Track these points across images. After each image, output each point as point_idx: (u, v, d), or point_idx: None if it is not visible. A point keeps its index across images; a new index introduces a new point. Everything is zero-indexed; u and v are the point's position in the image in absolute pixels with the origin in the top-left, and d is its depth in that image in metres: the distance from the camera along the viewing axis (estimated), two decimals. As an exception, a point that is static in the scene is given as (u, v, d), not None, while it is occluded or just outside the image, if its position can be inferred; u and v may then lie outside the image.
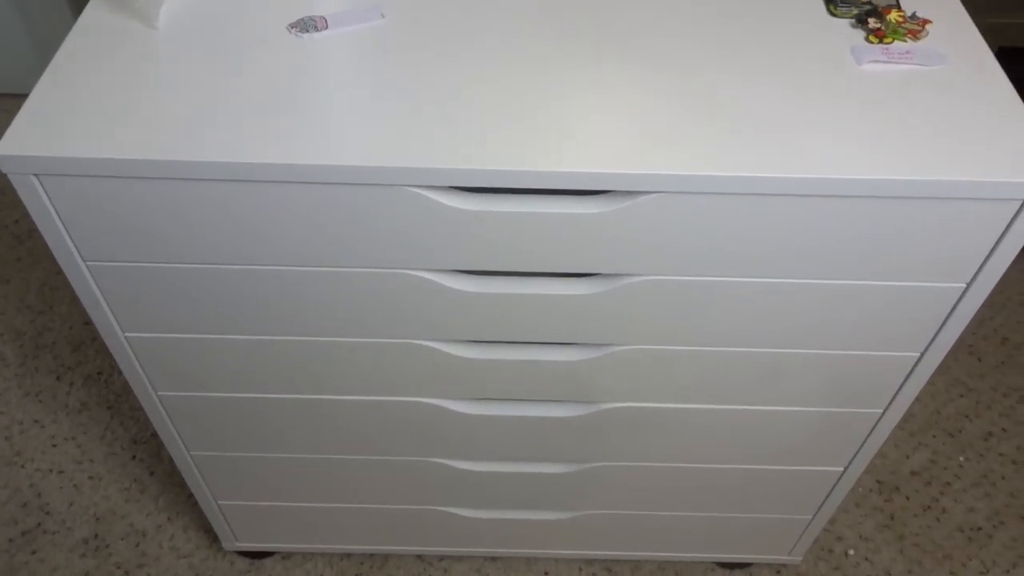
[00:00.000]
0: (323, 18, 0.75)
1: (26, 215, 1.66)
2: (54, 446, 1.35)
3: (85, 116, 0.65)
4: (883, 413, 0.89)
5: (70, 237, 0.69)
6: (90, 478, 1.31)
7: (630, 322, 0.77)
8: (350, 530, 1.13)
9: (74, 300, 1.53)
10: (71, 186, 0.65)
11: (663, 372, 0.83)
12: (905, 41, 0.74)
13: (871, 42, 0.74)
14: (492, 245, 0.69)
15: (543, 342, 0.81)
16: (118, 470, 1.32)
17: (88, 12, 0.75)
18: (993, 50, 1.43)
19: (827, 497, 1.03)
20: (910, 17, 0.76)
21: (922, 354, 0.80)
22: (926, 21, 0.75)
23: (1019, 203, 0.65)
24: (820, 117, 0.67)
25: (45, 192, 0.65)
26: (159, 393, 0.87)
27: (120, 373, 1.43)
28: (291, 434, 0.93)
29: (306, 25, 0.74)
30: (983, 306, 1.57)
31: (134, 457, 1.34)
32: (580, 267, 0.72)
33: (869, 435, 0.92)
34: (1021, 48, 1.35)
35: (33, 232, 1.65)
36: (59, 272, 1.58)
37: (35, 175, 0.64)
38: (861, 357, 0.81)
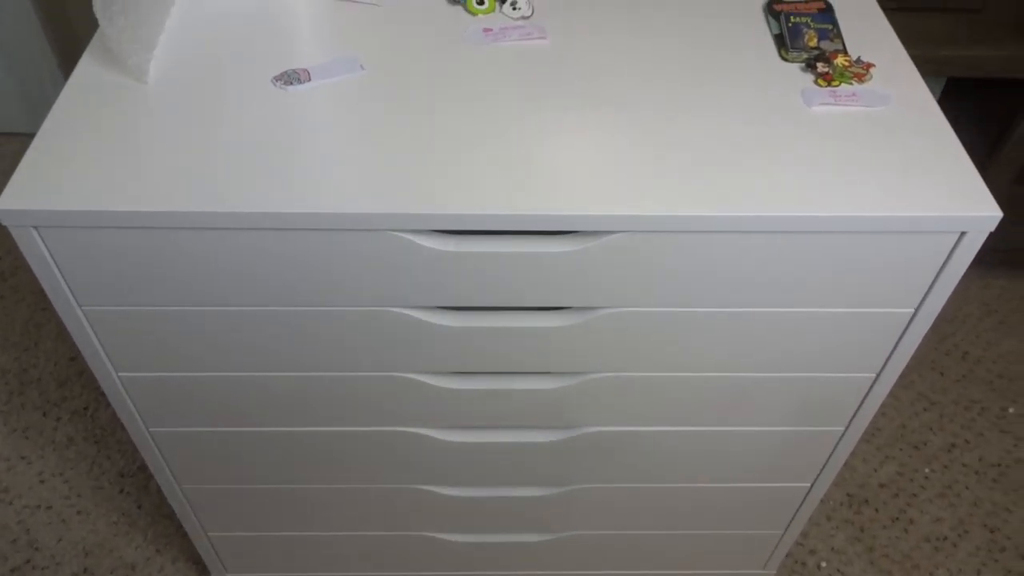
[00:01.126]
0: (306, 71, 0.79)
1: (9, 253, 1.68)
2: (42, 482, 1.36)
3: (81, 170, 0.68)
4: (845, 430, 0.93)
5: (67, 284, 0.72)
6: (78, 513, 1.33)
7: (603, 351, 0.82)
8: (338, 557, 1.16)
9: (59, 336, 1.55)
10: (68, 236, 0.68)
11: (635, 398, 0.87)
12: (851, 84, 0.80)
13: (820, 85, 0.80)
14: (471, 282, 0.74)
15: (521, 372, 0.85)
16: (106, 504, 1.34)
17: (81, 68, 0.79)
18: (943, 81, 1.50)
19: (797, 512, 1.07)
20: (855, 61, 0.81)
21: (878, 374, 0.85)
22: (870, 65, 0.81)
23: (957, 235, 0.70)
24: (774, 157, 0.72)
25: (43, 242, 0.68)
26: (151, 429, 0.90)
27: (106, 407, 1.45)
28: (279, 465, 0.96)
29: (290, 78, 0.78)
30: (944, 323, 1.64)
31: (122, 491, 1.36)
32: (554, 301, 0.76)
33: (833, 451, 0.97)
34: (968, 78, 1.42)
35: (17, 269, 1.66)
36: (44, 308, 1.60)
37: (34, 227, 0.67)
38: (822, 379, 0.86)
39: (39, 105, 1.82)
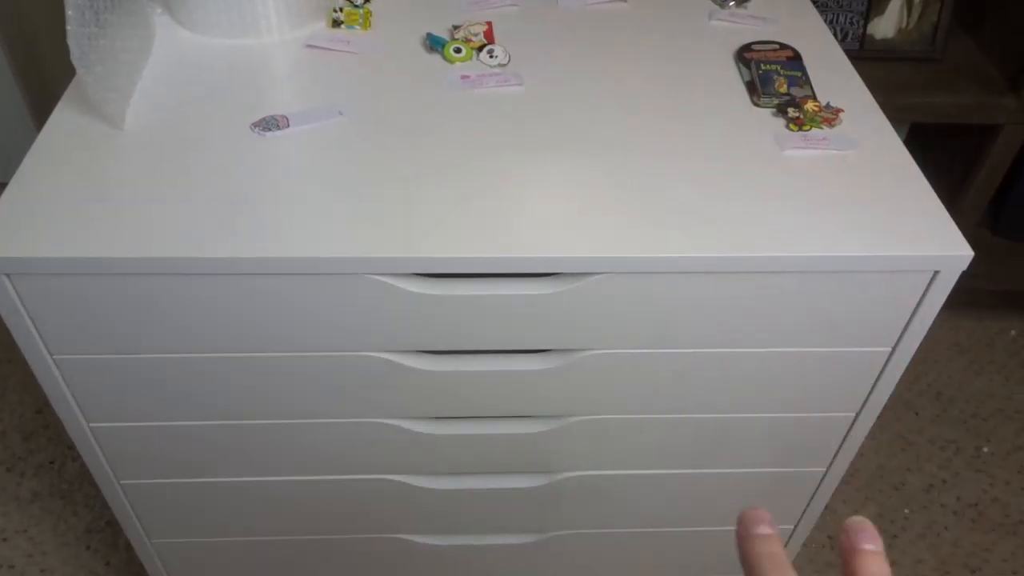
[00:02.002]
0: (284, 117, 0.80)
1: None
2: (4, 540, 1.32)
3: (55, 216, 0.67)
4: (827, 470, 0.93)
5: (38, 332, 0.70)
6: (42, 571, 1.28)
7: (584, 394, 0.81)
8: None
9: (25, 389, 1.52)
10: (40, 284, 0.67)
11: (617, 440, 0.87)
12: (821, 128, 0.82)
13: (791, 129, 0.82)
14: (450, 326, 0.73)
15: (502, 416, 0.84)
16: (72, 562, 1.29)
17: (57, 114, 0.78)
18: (907, 126, 1.55)
19: (780, 555, 1.06)
20: (825, 107, 0.83)
21: (858, 413, 0.86)
22: (839, 110, 0.83)
23: (931, 273, 0.71)
24: (749, 200, 0.73)
25: (15, 290, 0.67)
26: (121, 481, 0.87)
27: (73, 461, 1.41)
28: (255, 518, 0.94)
29: (268, 124, 0.79)
30: (917, 363, 1.66)
31: (88, 547, 1.31)
32: (535, 344, 0.76)
33: (815, 493, 0.97)
34: (929, 125, 1.46)
35: (-18, 320, 1.63)
36: (9, 360, 1.56)
37: (6, 275, 0.66)
38: (802, 419, 0.86)
39: (10, 154, 1.81)
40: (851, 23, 1.40)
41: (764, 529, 0.33)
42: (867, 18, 1.40)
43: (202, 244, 0.66)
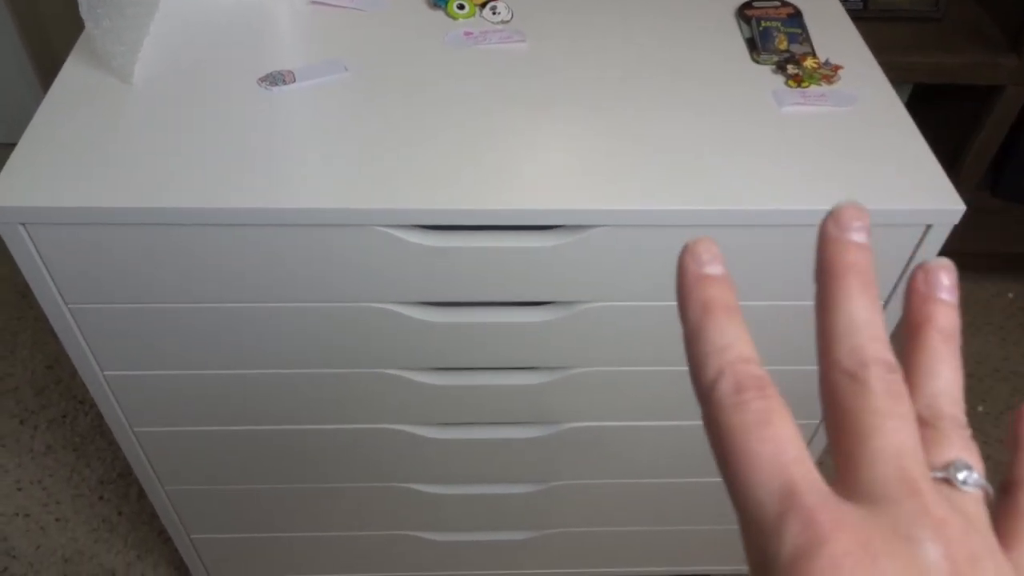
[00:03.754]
0: (291, 72, 0.81)
1: (-16, 261, 1.67)
2: (19, 490, 1.35)
3: (68, 168, 0.69)
4: (820, 424, 0.96)
5: (54, 282, 0.73)
6: (57, 520, 1.32)
7: (585, 346, 0.83)
8: (322, 560, 1.16)
9: (35, 345, 1.54)
10: (55, 233, 0.69)
11: (619, 391, 0.89)
12: (820, 85, 0.83)
13: (790, 86, 0.83)
14: (455, 278, 0.75)
15: (503, 367, 0.87)
16: (85, 511, 1.33)
17: (67, 68, 0.79)
18: (909, 87, 1.54)
19: (774, 506, 1.09)
20: (824, 64, 0.84)
21: (850, 367, 0.88)
22: (838, 67, 0.84)
23: (923, 228, 0.73)
24: (747, 155, 0.74)
25: (31, 240, 0.69)
26: (135, 429, 0.90)
27: (85, 415, 1.44)
28: (264, 465, 0.97)
29: (274, 79, 0.80)
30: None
31: (101, 497, 1.35)
32: (537, 296, 0.78)
33: (811, 441, 0.99)
34: (932, 85, 1.46)
35: (-8, 278, 1.65)
36: (19, 317, 1.58)
37: (22, 224, 0.68)
38: (794, 372, 0.88)
39: (15, 114, 1.81)
40: (855, -18, 1.40)
41: (857, 236, 0.25)
42: (871, -23, 1.39)
43: (211, 195, 0.68)
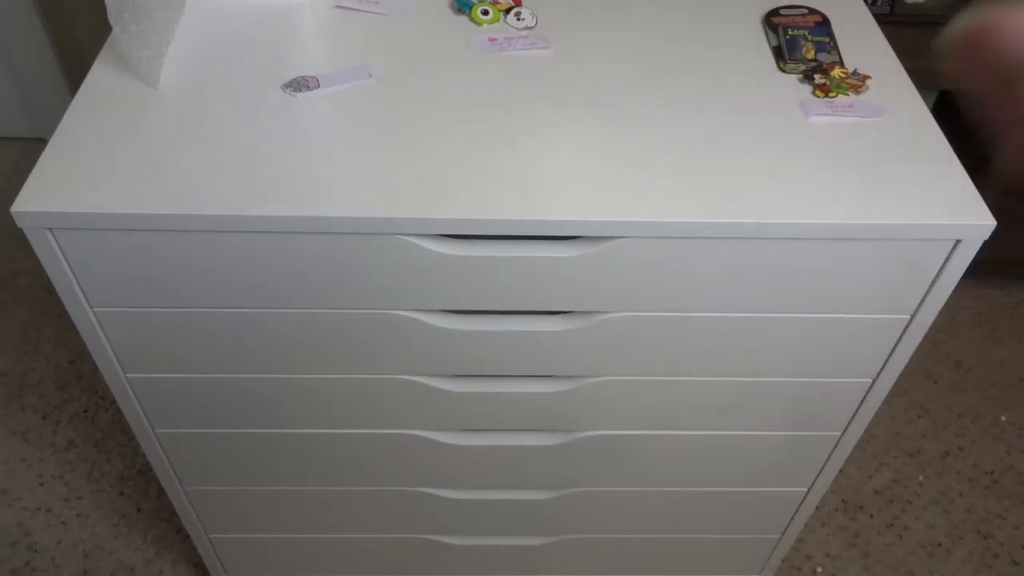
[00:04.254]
0: (315, 78, 0.81)
1: (8, 258, 1.69)
2: (41, 484, 1.37)
3: (95, 173, 0.69)
4: (841, 435, 0.95)
5: (79, 285, 0.73)
6: (78, 515, 1.33)
7: (603, 355, 0.83)
8: (339, 561, 1.16)
9: (59, 340, 1.56)
10: (82, 238, 0.69)
11: (635, 401, 0.89)
12: (848, 95, 0.82)
13: (817, 96, 0.82)
14: (476, 286, 0.75)
15: (523, 375, 0.87)
16: (106, 506, 1.34)
17: (94, 72, 0.80)
18: (935, 91, 1.52)
19: (793, 516, 1.09)
20: (852, 73, 0.83)
21: (874, 380, 0.87)
22: (866, 77, 0.83)
23: (952, 242, 0.72)
24: (773, 166, 0.74)
25: (58, 244, 0.69)
26: (156, 430, 0.90)
27: (106, 410, 1.46)
28: (283, 467, 0.97)
29: (299, 85, 0.80)
30: (938, 331, 1.66)
31: (122, 493, 1.36)
32: (557, 305, 0.78)
33: (830, 456, 0.98)
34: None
35: (17, 274, 1.67)
36: (44, 313, 1.60)
37: (49, 229, 0.68)
38: (819, 384, 0.88)
39: (40, 109, 1.83)
40: (883, -14, 1.38)
41: None
42: (900, -19, 1.38)
43: (235, 202, 0.68)
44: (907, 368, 1.54)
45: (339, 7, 0.91)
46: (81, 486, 1.37)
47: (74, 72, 1.77)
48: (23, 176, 1.90)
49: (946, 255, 0.73)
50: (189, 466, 0.97)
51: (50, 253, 0.70)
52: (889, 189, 0.72)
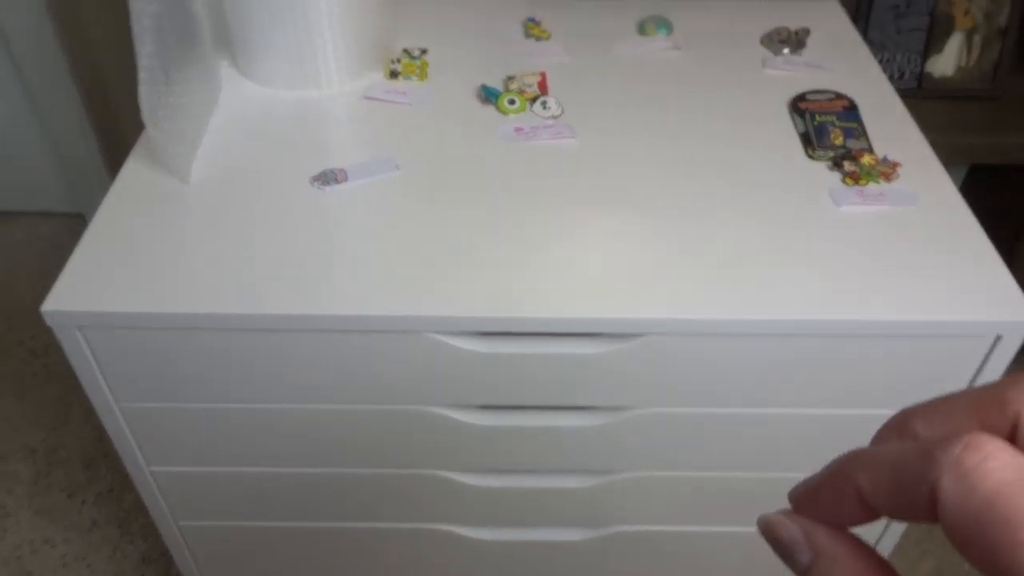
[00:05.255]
0: (343, 170, 0.82)
1: (42, 332, 1.71)
2: (64, 566, 1.35)
3: (125, 271, 0.70)
4: (887, 526, 0.91)
5: (105, 382, 0.73)
6: (99, 599, 1.32)
7: (633, 451, 0.81)
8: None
9: (87, 416, 1.56)
10: (110, 336, 0.69)
11: (664, 497, 0.86)
12: (879, 183, 0.81)
13: (847, 184, 0.81)
14: (504, 382, 0.74)
15: (551, 471, 0.84)
16: (127, 590, 1.33)
17: (127, 167, 0.81)
18: (965, 168, 1.51)
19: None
20: (882, 160, 0.82)
21: (915, 472, 0.83)
22: (896, 164, 0.82)
23: (993, 338, 0.70)
24: (804, 260, 0.72)
25: (86, 342, 0.70)
26: (179, 523, 0.89)
27: (131, 491, 1.45)
28: (307, 562, 0.95)
29: (327, 178, 0.81)
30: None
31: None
32: (587, 401, 0.76)
33: (875, 546, 0.94)
34: (989, 165, 1.43)
35: (49, 348, 1.69)
36: (75, 387, 1.61)
37: (78, 327, 0.68)
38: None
39: (79, 185, 1.88)
40: (908, 61, 1.38)
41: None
42: (925, 56, 1.38)
43: (263, 300, 0.68)
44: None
45: (368, 98, 0.92)
46: (103, 568, 1.35)
47: (113, 149, 1.82)
48: (60, 251, 1.94)
49: (987, 350, 0.71)
50: (212, 559, 0.95)
51: (78, 350, 0.70)
52: (926, 283, 0.70)
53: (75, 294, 0.68)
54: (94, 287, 0.69)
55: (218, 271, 0.70)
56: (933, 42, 1.37)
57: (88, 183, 1.85)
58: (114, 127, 1.82)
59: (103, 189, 1.84)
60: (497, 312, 0.67)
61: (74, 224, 1.94)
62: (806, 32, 1.02)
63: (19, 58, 1.68)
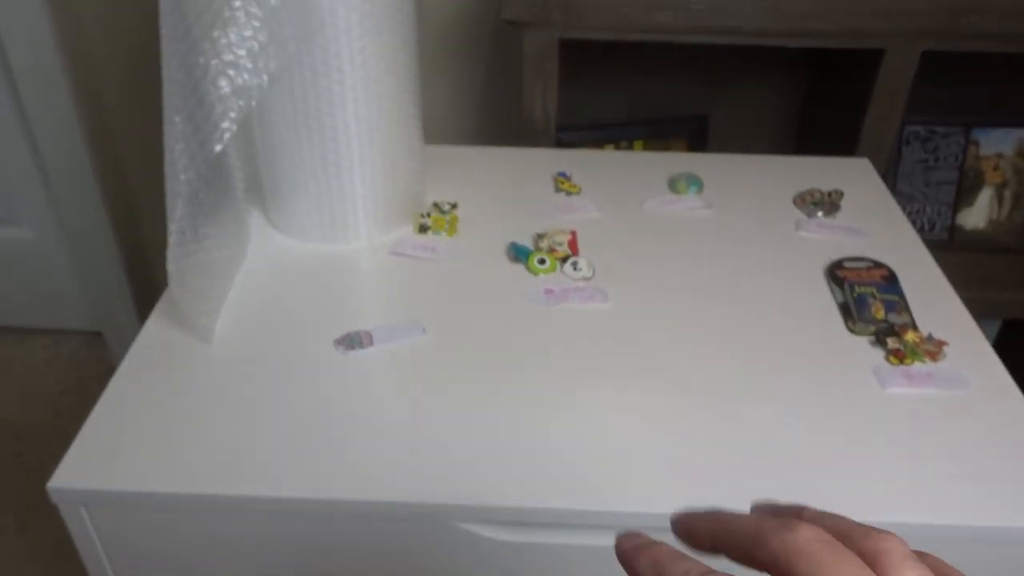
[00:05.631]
0: (368, 333, 0.79)
1: (48, 463, 1.67)
2: None
3: (136, 446, 0.67)
4: None
5: (107, 559, 0.69)
6: None
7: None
8: None
9: (87, 549, 1.51)
10: (115, 515, 0.66)
11: None
12: (924, 363, 0.77)
13: (892, 363, 0.77)
14: (528, 571, 0.69)
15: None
16: None
17: (148, 326, 0.80)
18: (997, 323, 1.47)
19: None
20: (927, 338, 0.79)
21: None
22: (942, 343, 0.79)
23: (1060, 544, 0.65)
24: (854, 450, 0.68)
25: (90, 520, 0.66)
26: None
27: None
28: None
29: (352, 341, 0.78)
30: None
31: None
32: (617, 592, 0.71)
33: None
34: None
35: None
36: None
37: (83, 505, 0.65)
38: None
39: (99, 305, 1.88)
40: (939, 214, 1.37)
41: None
42: (956, 208, 1.37)
43: (280, 482, 0.64)
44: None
45: (395, 253, 0.91)
46: None
47: (136, 269, 1.83)
48: (77, 370, 1.92)
49: (1055, 556, 0.65)
50: None
51: (82, 530, 0.66)
52: (981, 481, 0.66)
53: (83, 471, 0.65)
54: (102, 463, 0.65)
55: (232, 448, 0.67)
56: (963, 195, 1.37)
57: (110, 302, 1.85)
58: (140, 248, 1.84)
59: (124, 308, 1.85)
60: (528, 502, 0.63)
61: (93, 342, 1.93)
62: (839, 195, 1.01)
63: (54, 186, 1.71)
